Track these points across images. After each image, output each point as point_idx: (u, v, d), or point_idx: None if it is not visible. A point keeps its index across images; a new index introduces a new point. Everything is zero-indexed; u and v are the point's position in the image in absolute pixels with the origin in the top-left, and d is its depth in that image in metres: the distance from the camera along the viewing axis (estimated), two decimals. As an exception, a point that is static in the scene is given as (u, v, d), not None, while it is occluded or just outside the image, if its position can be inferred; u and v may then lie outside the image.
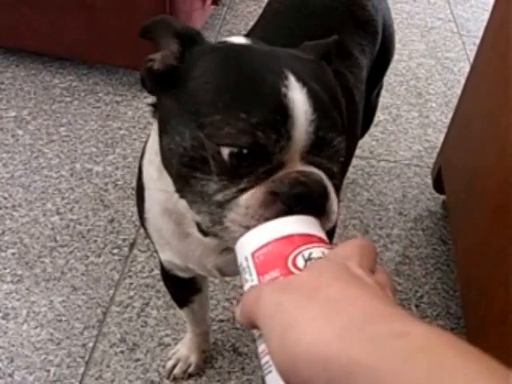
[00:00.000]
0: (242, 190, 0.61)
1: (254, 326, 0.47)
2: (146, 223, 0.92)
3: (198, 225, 0.67)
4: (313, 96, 0.62)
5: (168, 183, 0.70)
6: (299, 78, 0.62)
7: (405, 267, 1.61)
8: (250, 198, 0.60)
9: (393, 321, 0.40)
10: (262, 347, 0.49)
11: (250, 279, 0.51)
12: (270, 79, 0.62)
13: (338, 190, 0.67)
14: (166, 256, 0.95)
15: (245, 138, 0.60)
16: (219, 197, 0.62)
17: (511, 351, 1.02)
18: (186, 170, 0.65)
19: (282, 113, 0.60)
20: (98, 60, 2.18)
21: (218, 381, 1.32)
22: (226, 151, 0.60)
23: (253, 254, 0.51)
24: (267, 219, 0.57)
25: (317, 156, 0.63)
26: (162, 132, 0.69)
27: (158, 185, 0.78)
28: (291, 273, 0.48)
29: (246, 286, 0.51)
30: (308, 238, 0.51)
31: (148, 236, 0.96)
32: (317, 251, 0.50)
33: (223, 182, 0.62)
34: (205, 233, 0.67)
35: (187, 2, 2.04)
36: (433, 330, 0.39)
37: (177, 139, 0.65)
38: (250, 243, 0.52)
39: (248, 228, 0.58)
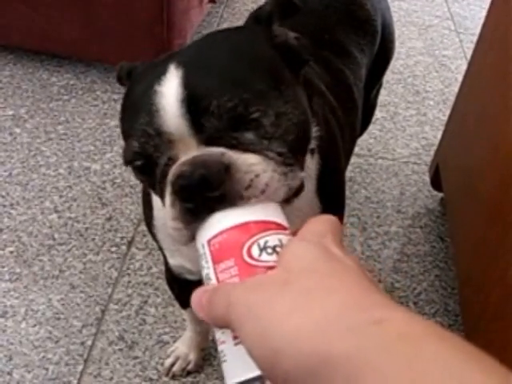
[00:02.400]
0: (162, 196, 0.62)
1: (224, 327, 0.46)
2: (155, 230, 0.92)
3: None
4: (189, 74, 0.59)
5: None
6: (181, 64, 0.60)
7: (403, 264, 1.61)
8: (167, 200, 0.60)
9: (371, 308, 0.39)
10: (217, 335, 0.49)
11: (206, 266, 0.51)
12: (148, 86, 0.61)
13: (291, 162, 0.61)
14: (177, 261, 0.94)
15: (129, 153, 0.61)
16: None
17: (508, 348, 1.03)
18: None
19: (150, 113, 0.59)
20: (95, 58, 2.18)
21: (217, 378, 1.32)
22: (131, 169, 0.64)
23: (209, 242, 0.51)
24: (178, 218, 0.57)
25: (211, 131, 0.58)
26: None
27: None
28: (246, 262, 0.48)
29: (204, 273, 0.51)
30: (265, 225, 0.50)
31: (156, 242, 0.96)
32: (273, 239, 0.49)
33: (155, 192, 0.65)
34: None
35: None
36: (412, 317, 0.38)
37: None
38: (207, 230, 0.52)
39: (179, 230, 0.58)
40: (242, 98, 0.58)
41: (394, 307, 0.39)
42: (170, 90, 0.58)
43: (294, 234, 0.50)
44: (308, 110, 0.68)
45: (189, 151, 0.58)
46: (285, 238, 0.50)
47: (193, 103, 0.57)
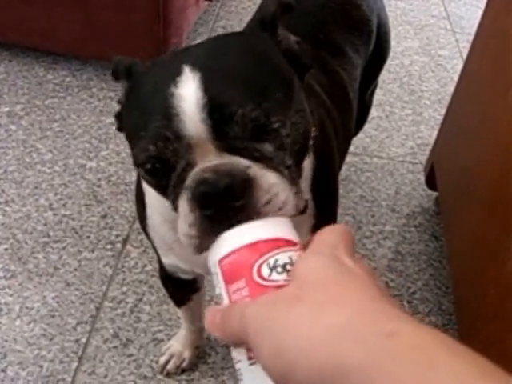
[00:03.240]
0: (175, 201, 0.61)
1: (239, 345, 0.47)
2: (149, 229, 0.92)
3: None
4: (208, 78, 0.58)
5: None
6: (196, 66, 0.59)
7: (397, 263, 1.61)
8: (181, 205, 0.59)
9: (381, 319, 0.40)
10: (233, 354, 0.49)
11: (218, 286, 0.51)
12: (161, 87, 0.59)
13: (294, 176, 0.62)
14: (170, 260, 0.94)
15: (143, 156, 0.60)
16: (175, 211, 0.62)
17: (503, 348, 1.03)
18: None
19: (167, 116, 0.57)
20: (91, 55, 2.17)
21: (211, 376, 1.32)
22: (141, 172, 0.63)
23: (220, 262, 0.50)
24: (196, 225, 0.57)
25: (233, 140, 0.58)
26: None
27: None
28: (256, 283, 0.48)
29: (216, 292, 0.51)
30: (274, 243, 0.50)
31: (150, 241, 0.96)
32: (283, 257, 0.49)
33: (167, 198, 0.63)
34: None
35: (181, -3, 2.04)
36: (422, 329, 0.39)
37: None
38: (218, 250, 0.51)
39: (193, 238, 0.58)
40: (265, 107, 0.58)
41: (404, 319, 0.40)
42: (189, 93, 0.57)
43: (305, 245, 0.50)
44: (310, 118, 0.68)
45: (207, 158, 0.58)
46: (295, 255, 0.49)
47: (215, 109, 0.57)
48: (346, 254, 0.46)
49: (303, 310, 0.41)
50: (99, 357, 1.33)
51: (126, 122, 0.68)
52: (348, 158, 1.81)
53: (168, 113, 0.57)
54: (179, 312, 1.27)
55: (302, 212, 0.62)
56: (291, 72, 0.66)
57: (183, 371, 1.32)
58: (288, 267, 0.48)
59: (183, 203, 0.59)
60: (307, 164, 0.82)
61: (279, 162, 0.60)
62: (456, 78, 1.72)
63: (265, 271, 0.48)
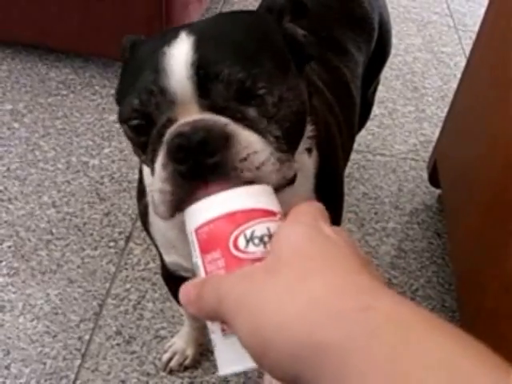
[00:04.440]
0: (153, 158, 0.61)
1: (215, 320, 0.46)
2: (150, 228, 0.91)
3: None
4: (201, 41, 0.59)
5: None
6: (192, 31, 0.61)
7: (400, 261, 1.61)
8: (158, 161, 0.59)
9: (357, 293, 0.39)
10: (208, 324, 0.49)
11: (195, 255, 0.50)
12: (156, 49, 0.61)
13: (284, 148, 0.62)
14: (172, 258, 0.94)
15: (127, 109, 0.60)
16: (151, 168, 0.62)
17: (505, 345, 1.03)
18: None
19: (155, 71, 0.59)
20: (94, 53, 2.18)
21: (214, 373, 1.32)
22: (125, 128, 0.63)
23: (196, 231, 0.50)
24: (169, 180, 0.57)
25: (216, 98, 0.58)
26: None
27: None
28: (232, 254, 0.47)
29: (193, 261, 0.51)
30: (252, 214, 0.48)
31: (152, 240, 0.96)
32: (261, 228, 0.48)
33: (145, 156, 0.64)
34: None
35: (183, -5, 2.04)
36: (399, 302, 0.38)
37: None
38: (194, 218, 0.51)
39: (166, 194, 0.57)
40: (252, 72, 0.58)
41: (382, 292, 0.39)
42: (179, 52, 0.58)
43: (284, 216, 0.49)
44: (307, 104, 0.68)
45: (189, 115, 0.58)
46: (274, 226, 0.48)
47: (202, 68, 0.58)
48: (325, 224, 0.45)
49: (278, 285, 0.40)
50: (102, 354, 1.33)
51: (119, 86, 0.69)
52: (351, 156, 1.81)
53: (156, 68, 0.59)
54: (182, 310, 1.27)
55: (290, 184, 0.62)
56: (288, 54, 0.67)
57: (186, 368, 1.32)
58: (265, 239, 0.47)
59: (159, 159, 0.59)
60: (311, 162, 0.82)
61: (263, 129, 0.60)
62: (459, 75, 1.72)
63: (241, 243, 0.47)
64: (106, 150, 1.85)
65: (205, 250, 0.49)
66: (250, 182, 0.56)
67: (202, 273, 0.49)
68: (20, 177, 1.74)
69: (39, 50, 2.23)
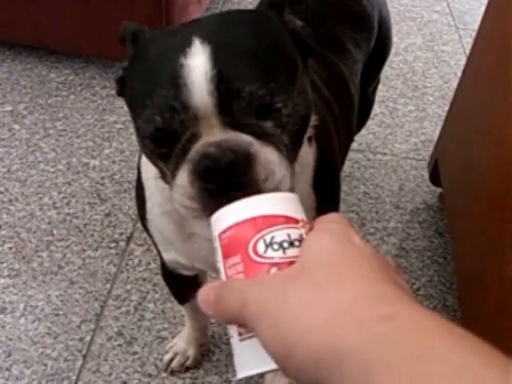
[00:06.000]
0: (174, 171, 0.61)
1: (235, 323, 0.47)
2: (148, 225, 0.91)
3: None
4: (218, 51, 0.59)
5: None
6: (206, 39, 0.60)
7: (401, 260, 1.61)
8: (180, 176, 0.60)
9: (380, 302, 0.39)
10: (228, 329, 0.49)
11: (218, 260, 0.50)
12: (170, 55, 0.60)
13: (291, 157, 0.63)
14: (171, 256, 0.94)
15: (150, 128, 0.60)
16: (171, 180, 0.63)
17: (507, 343, 1.03)
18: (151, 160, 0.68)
19: (175, 86, 0.58)
20: (94, 54, 2.18)
21: (216, 374, 1.32)
22: (146, 143, 0.63)
23: (219, 236, 0.50)
24: (195, 198, 0.58)
25: (238, 115, 0.59)
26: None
27: (157, 184, 0.78)
28: (251, 259, 0.47)
29: (217, 266, 0.51)
30: (273, 220, 0.49)
31: (150, 237, 0.96)
32: (281, 234, 0.48)
33: (166, 166, 0.64)
34: None
35: (183, -5, 2.04)
36: (421, 313, 0.38)
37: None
38: (218, 224, 0.51)
39: (189, 209, 0.59)
40: (270, 87, 0.59)
41: (404, 302, 0.39)
42: (199, 65, 0.58)
43: (310, 224, 0.50)
44: (312, 102, 0.69)
45: (211, 131, 0.59)
46: (294, 232, 0.48)
47: (223, 83, 0.57)
48: (354, 233, 0.46)
49: (305, 291, 0.41)
50: (103, 355, 1.33)
51: (129, 87, 0.68)
52: (351, 155, 1.81)
53: (176, 83, 0.58)
54: (183, 310, 1.27)
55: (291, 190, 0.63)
56: (296, 53, 0.67)
57: (187, 369, 1.32)
58: (285, 245, 0.47)
59: (183, 174, 0.60)
60: (309, 157, 0.82)
61: (278, 140, 0.61)
62: (459, 73, 1.71)
63: (260, 248, 0.47)
64: (107, 151, 1.85)
65: (226, 255, 0.49)
66: None
67: (223, 277, 0.50)
68: (21, 178, 1.74)
69: (39, 51, 2.23)
